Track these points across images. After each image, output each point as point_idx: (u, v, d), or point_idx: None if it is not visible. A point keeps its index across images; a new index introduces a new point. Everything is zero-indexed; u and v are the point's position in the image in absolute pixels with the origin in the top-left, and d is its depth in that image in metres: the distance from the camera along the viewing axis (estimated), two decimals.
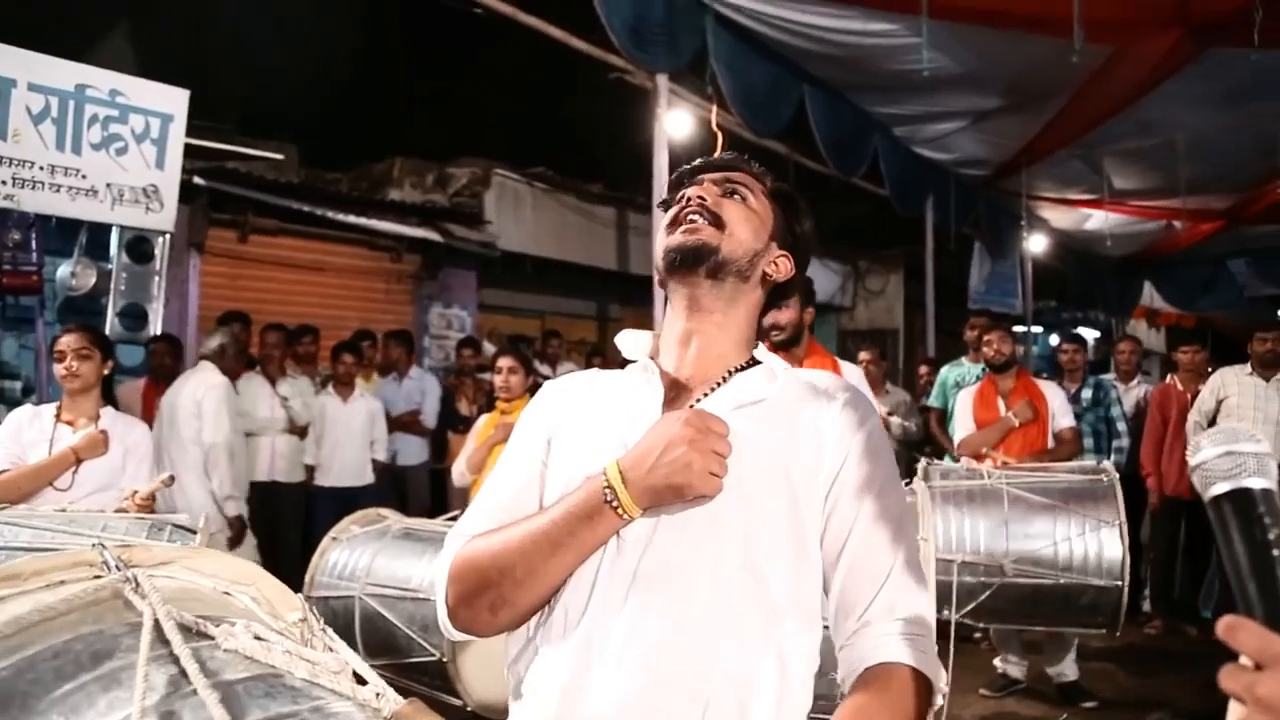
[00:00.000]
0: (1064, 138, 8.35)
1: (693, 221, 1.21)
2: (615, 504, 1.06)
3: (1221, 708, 0.75)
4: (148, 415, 4.74)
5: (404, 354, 6.71)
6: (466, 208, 8.49)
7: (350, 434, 5.81)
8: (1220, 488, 0.73)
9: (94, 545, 0.78)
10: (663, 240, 1.24)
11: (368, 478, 5.89)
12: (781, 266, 1.28)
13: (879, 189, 9.13)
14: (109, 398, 3.57)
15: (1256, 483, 0.72)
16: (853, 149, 8.04)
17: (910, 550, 1.15)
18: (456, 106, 11.34)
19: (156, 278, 5.42)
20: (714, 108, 6.89)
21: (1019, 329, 12.36)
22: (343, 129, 10.44)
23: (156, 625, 0.65)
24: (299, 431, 5.70)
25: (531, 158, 9.20)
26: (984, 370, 4.99)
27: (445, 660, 3.20)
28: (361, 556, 3.68)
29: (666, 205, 1.31)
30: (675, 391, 1.21)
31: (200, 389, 4.75)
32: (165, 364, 5.23)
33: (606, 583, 1.08)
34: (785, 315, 3.02)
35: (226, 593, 0.85)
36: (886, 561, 1.12)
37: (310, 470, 5.78)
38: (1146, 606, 5.76)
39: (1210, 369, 5.57)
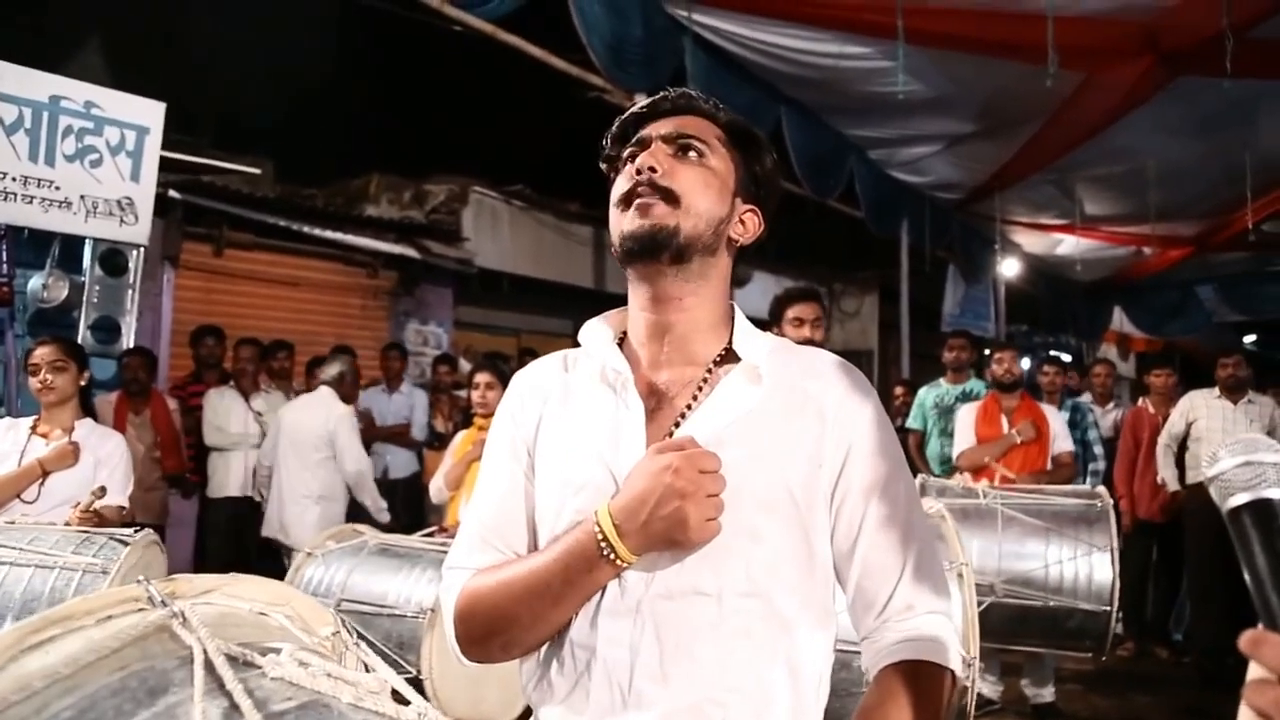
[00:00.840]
0: (1036, 163, 8.48)
1: (644, 199, 1.10)
2: (610, 554, 1.03)
3: None
4: (120, 428, 4.67)
5: (401, 366, 6.72)
6: (444, 224, 8.46)
7: None
8: (1240, 499, 0.72)
9: (139, 581, 0.80)
10: (615, 221, 1.13)
11: None
12: (749, 225, 1.18)
13: (854, 210, 9.20)
14: (88, 409, 3.50)
15: (1277, 493, 0.71)
16: (829, 171, 8.12)
17: (923, 538, 1.12)
18: (434, 124, 11.33)
19: (130, 291, 5.32)
20: None
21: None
22: (319, 144, 10.38)
23: (206, 658, 0.67)
24: None
25: (509, 175, 9.20)
26: (969, 391, 5.09)
27: (422, 678, 3.17)
28: (337, 572, 3.64)
29: (611, 163, 1.19)
30: (655, 401, 1.14)
31: (330, 421, 4.98)
32: (139, 378, 5.16)
33: (612, 620, 1.06)
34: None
35: (262, 613, 0.88)
36: (900, 556, 1.09)
37: None
38: (1119, 629, 5.79)
39: (1180, 392, 5.65)
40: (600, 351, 1.17)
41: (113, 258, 5.23)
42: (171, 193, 6.26)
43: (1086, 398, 6.20)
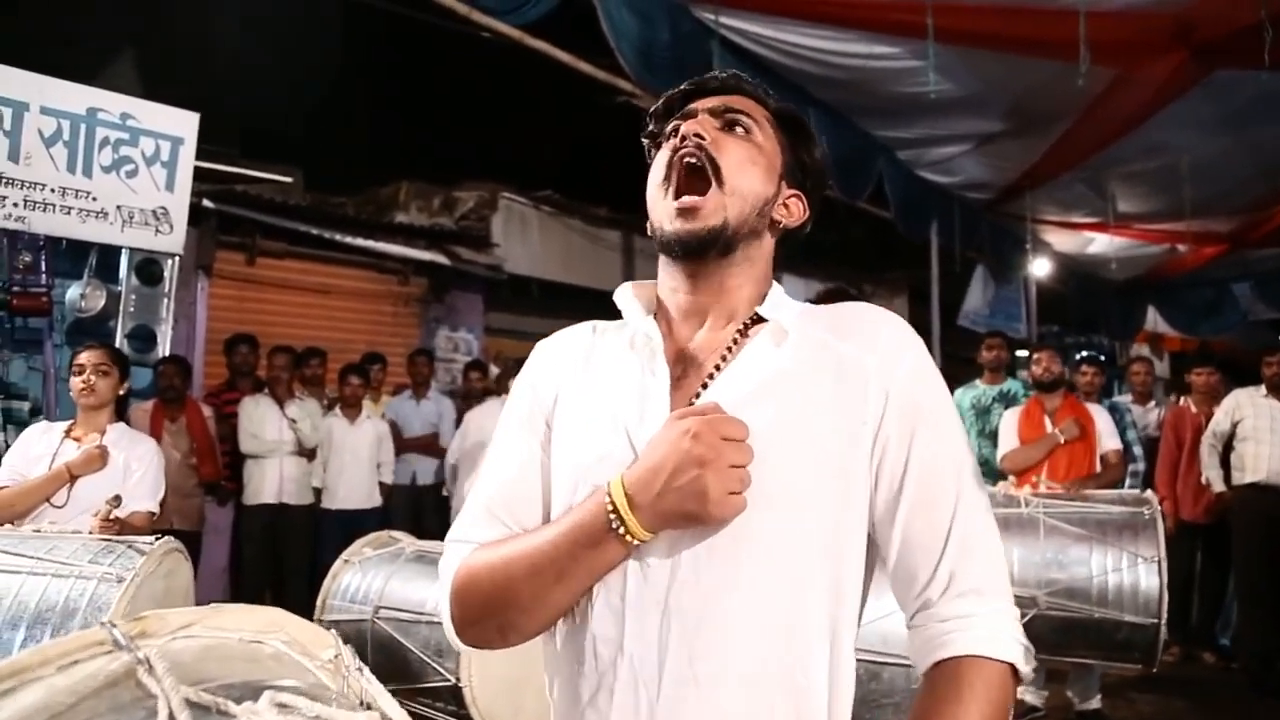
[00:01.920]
0: (1068, 161, 8.37)
1: (691, 183, 1.03)
2: (621, 530, 0.94)
3: None
4: (155, 436, 4.71)
5: (429, 372, 6.73)
6: (473, 231, 8.51)
7: (356, 457, 5.79)
8: None
9: (103, 624, 0.72)
10: (658, 206, 1.07)
11: (375, 500, 5.87)
12: (793, 209, 1.12)
13: (882, 211, 9.13)
14: (122, 417, 3.53)
15: None
16: (858, 171, 8.06)
17: (970, 501, 0.98)
18: (462, 130, 11.39)
19: (165, 300, 5.40)
20: None
21: (1023, 353, 12.37)
22: (347, 153, 10.49)
23: (170, 712, 0.61)
24: (307, 454, 5.67)
25: (538, 181, 9.24)
26: (1006, 391, 5.01)
27: (461, 685, 3.16)
28: (375, 579, 3.65)
29: (654, 139, 1.13)
30: (682, 367, 1.06)
31: None
32: (174, 385, 5.21)
33: (638, 614, 0.97)
34: None
35: (256, 641, 0.82)
36: (944, 520, 0.97)
37: (318, 493, 5.75)
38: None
39: (1223, 391, 5.55)
40: (634, 318, 1.11)
41: (148, 267, 5.30)
42: (205, 202, 6.34)
43: (1126, 398, 6.10)
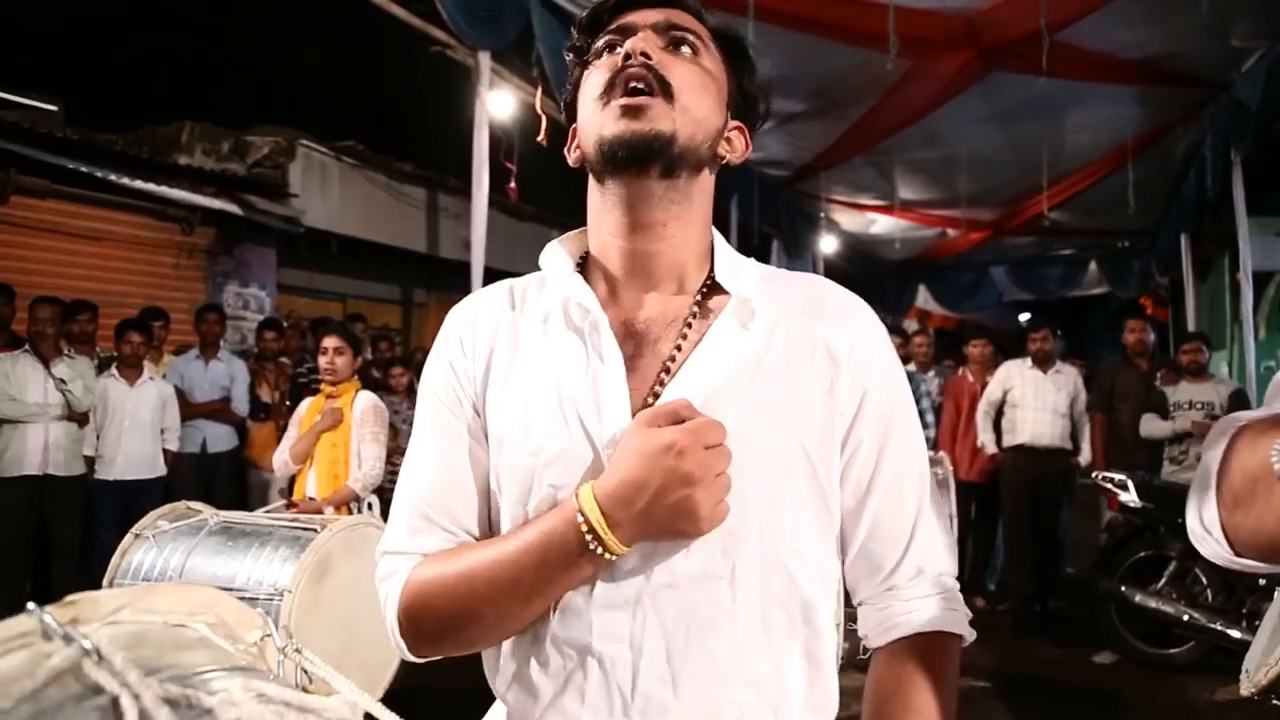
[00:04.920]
0: (860, 145, 8.91)
1: (636, 98, 0.91)
2: (597, 548, 0.87)
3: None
4: None
5: (220, 331, 6.21)
6: (268, 179, 7.91)
7: (138, 421, 5.28)
8: None
9: (29, 611, 0.58)
10: (593, 121, 0.94)
11: (159, 469, 5.38)
12: (735, 143, 1.02)
13: None
14: None
15: None
16: None
17: (927, 495, 1.00)
18: (257, 69, 10.52)
19: None
20: (538, 91, 6.80)
21: None
22: (117, 83, 9.42)
23: (141, 710, 0.50)
24: (78, 419, 5.09)
25: (340, 130, 8.72)
26: None
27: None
28: (173, 555, 3.34)
29: (581, 54, 1.01)
30: (633, 346, 0.96)
31: None
32: None
33: (606, 614, 0.91)
34: None
35: (180, 625, 0.71)
36: (910, 516, 0.98)
37: (90, 462, 5.19)
38: None
39: (995, 362, 6.13)
40: (564, 283, 0.99)
41: None
42: None
43: (910, 366, 6.60)
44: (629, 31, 0.96)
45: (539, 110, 6.88)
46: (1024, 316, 19.62)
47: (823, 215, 11.31)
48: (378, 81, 10.00)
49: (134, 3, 9.56)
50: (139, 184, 6.64)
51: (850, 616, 1.19)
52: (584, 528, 0.86)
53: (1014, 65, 6.60)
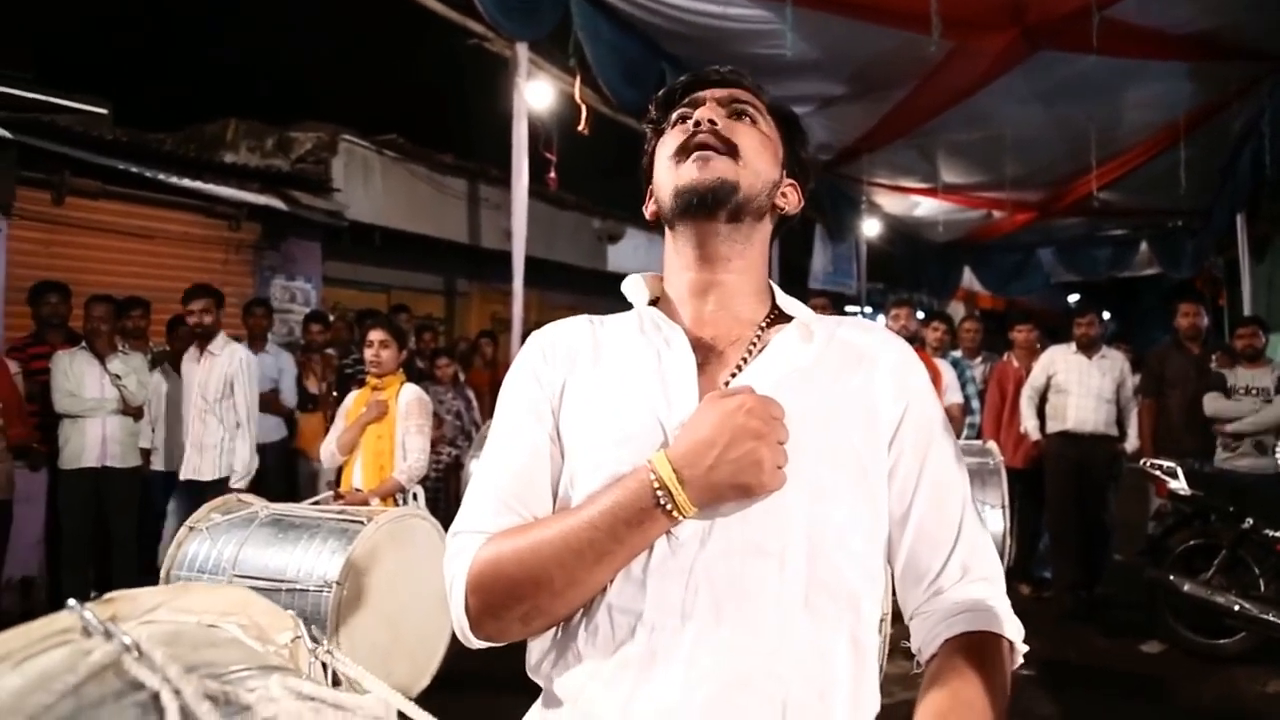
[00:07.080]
0: (903, 128, 8.79)
1: (705, 151, 1.06)
2: (669, 505, 0.93)
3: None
4: None
5: (267, 324, 6.34)
6: (311, 174, 8.01)
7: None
8: None
9: (70, 608, 0.61)
10: (668, 176, 1.09)
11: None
12: (791, 197, 1.18)
13: None
14: None
15: None
16: None
17: (969, 499, 1.07)
18: (300, 66, 10.64)
19: None
20: (577, 80, 6.81)
21: (852, 309, 13.02)
22: (164, 84, 9.60)
23: (182, 706, 0.52)
24: (133, 412, 5.24)
25: (381, 124, 8.79)
26: None
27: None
28: (226, 546, 3.42)
29: (656, 125, 1.18)
30: (703, 355, 1.08)
31: None
32: None
33: (661, 582, 0.96)
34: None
35: (212, 625, 0.74)
36: (954, 519, 1.04)
37: (146, 454, 5.34)
38: None
39: (1041, 346, 6.03)
40: (642, 306, 1.14)
41: None
42: (2, 132, 5.65)
43: (957, 352, 6.51)
44: (698, 104, 1.13)
45: (578, 99, 6.90)
46: (1073, 298, 19.26)
47: (865, 199, 11.19)
48: (417, 75, 10.05)
49: (178, 5, 9.73)
50: (187, 182, 6.77)
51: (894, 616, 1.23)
52: (655, 484, 0.94)
53: (1060, 44, 6.46)
